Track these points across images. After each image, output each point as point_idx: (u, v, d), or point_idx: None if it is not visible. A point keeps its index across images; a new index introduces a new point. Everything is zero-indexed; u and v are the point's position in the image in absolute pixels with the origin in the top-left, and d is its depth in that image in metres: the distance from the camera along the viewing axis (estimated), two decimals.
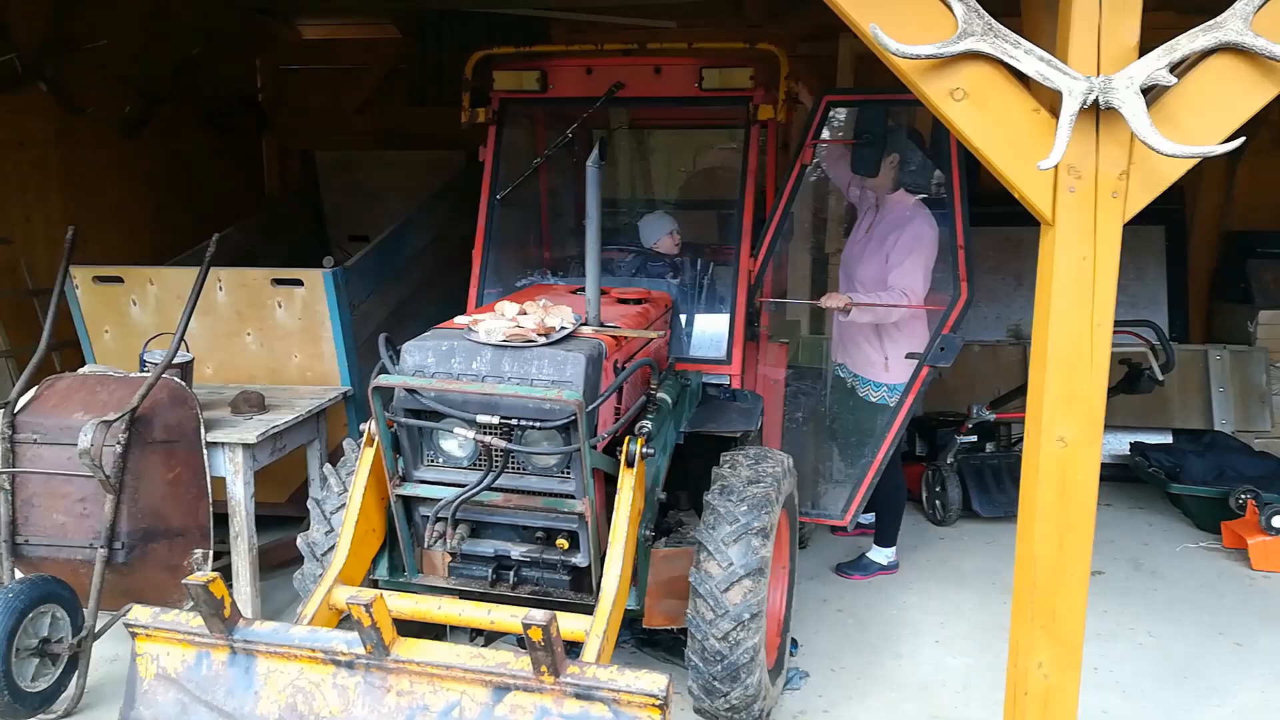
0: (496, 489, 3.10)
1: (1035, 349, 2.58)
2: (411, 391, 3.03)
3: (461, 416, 2.98)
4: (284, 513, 5.04)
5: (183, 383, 3.92)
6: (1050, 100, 2.40)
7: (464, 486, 3.08)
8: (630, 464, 3.10)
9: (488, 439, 2.92)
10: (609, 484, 3.22)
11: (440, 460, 3.19)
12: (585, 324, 3.37)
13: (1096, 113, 2.37)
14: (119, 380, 3.94)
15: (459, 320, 3.30)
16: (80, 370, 4.27)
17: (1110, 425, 2.58)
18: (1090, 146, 2.39)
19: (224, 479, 4.04)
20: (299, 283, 4.72)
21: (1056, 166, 2.37)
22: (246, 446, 3.98)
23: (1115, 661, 4.10)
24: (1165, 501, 5.92)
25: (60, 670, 3.61)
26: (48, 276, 5.01)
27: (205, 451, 3.91)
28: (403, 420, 3.06)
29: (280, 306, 4.78)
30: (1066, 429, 2.50)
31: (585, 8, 7.03)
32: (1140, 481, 6.01)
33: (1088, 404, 2.49)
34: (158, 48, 6.81)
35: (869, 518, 5.08)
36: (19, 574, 3.74)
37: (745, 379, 4.34)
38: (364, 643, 2.37)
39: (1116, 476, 6.09)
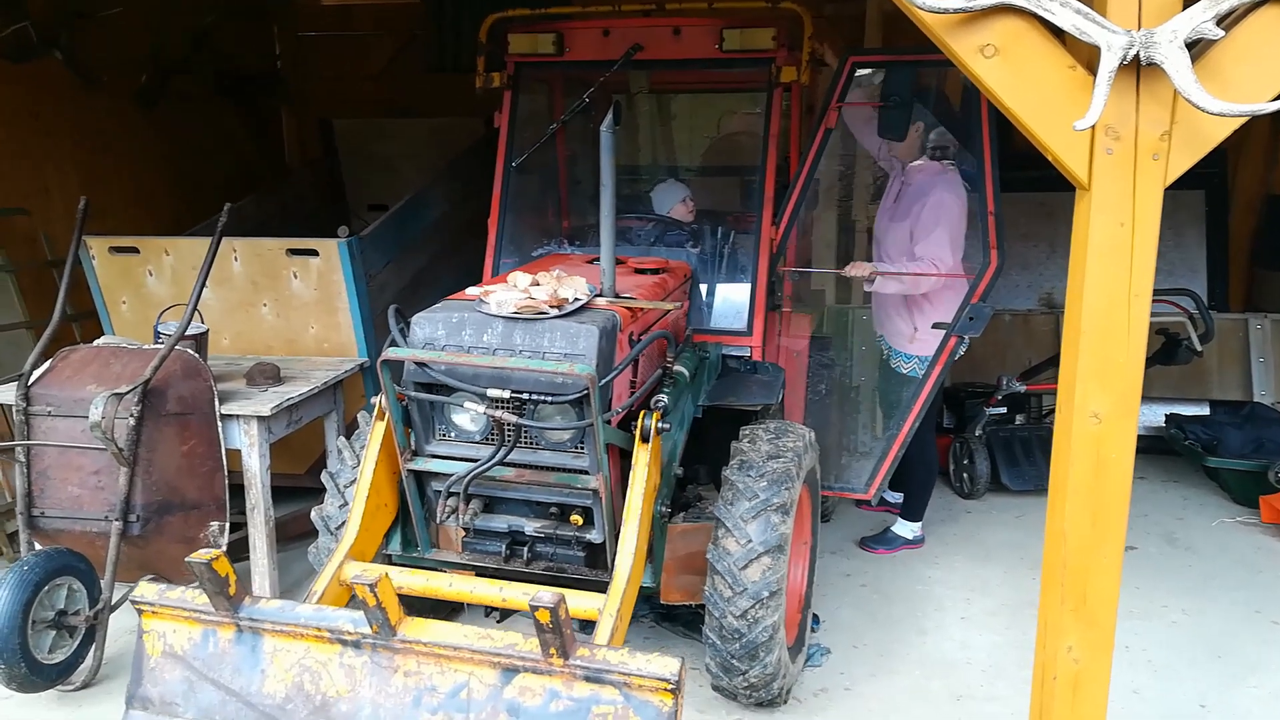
0: (509, 464, 3.03)
1: (1068, 320, 2.45)
2: (421, 365, 2.96)
3: (472, 390, 2.91)
4: (303, 484, 5.00)
5: (196, 355, 3.88)
6: (1087, 56, 2.26)
7: (476, 461, 3.02)
8: (645, 439, 3.01)
9: (498, 413, 2.84)
10: (624, 459, 3.14)
11: (452, 434, 3.13)
12: (600, 295, 3.28)
13: (1137, 69, 2.23)
14: (133, 352, 3.90)
15: (471, 291, 3.23)
16: (97, 342, 4.24)
17: (1146, 396, 2.47)
18: (1130, 106, 2.25)
19: (239, 451, 4.01)
20: (314, 253, 4.65)
21: (1093, 127, 2.23)
22: (261, 419, 3.93)
23: (1147, 640, 3.99)
24: (1201, 475, 5.75)
25: (77, 642, 3.61)
26: (66, 247, 4.98)
27: (220, 424, 3.87)
28: (413, 394, 3.00)
29: (296, 277, 4.72)
30: (1101, 404, 2.38)
31: None
32: (1175, 454, 5.85)
33: (1124, 379, 2.37)
34: (172, 16, 6.74)
35: (896, 497, 4.98)
36: (38, 546, 3.74)
37: (767, 350, 4.24)
38: (370, 622, 2.31)
39: (1151, 449, 5.93)
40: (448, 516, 3.08)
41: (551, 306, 3.02)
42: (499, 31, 4.47)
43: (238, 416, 3.93)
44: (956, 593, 4.42)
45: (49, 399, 3.74)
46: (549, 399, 2.86)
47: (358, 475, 3.15)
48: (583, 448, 3.01)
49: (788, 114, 4.50)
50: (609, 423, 3.02)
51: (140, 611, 2.55)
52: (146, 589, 2.54)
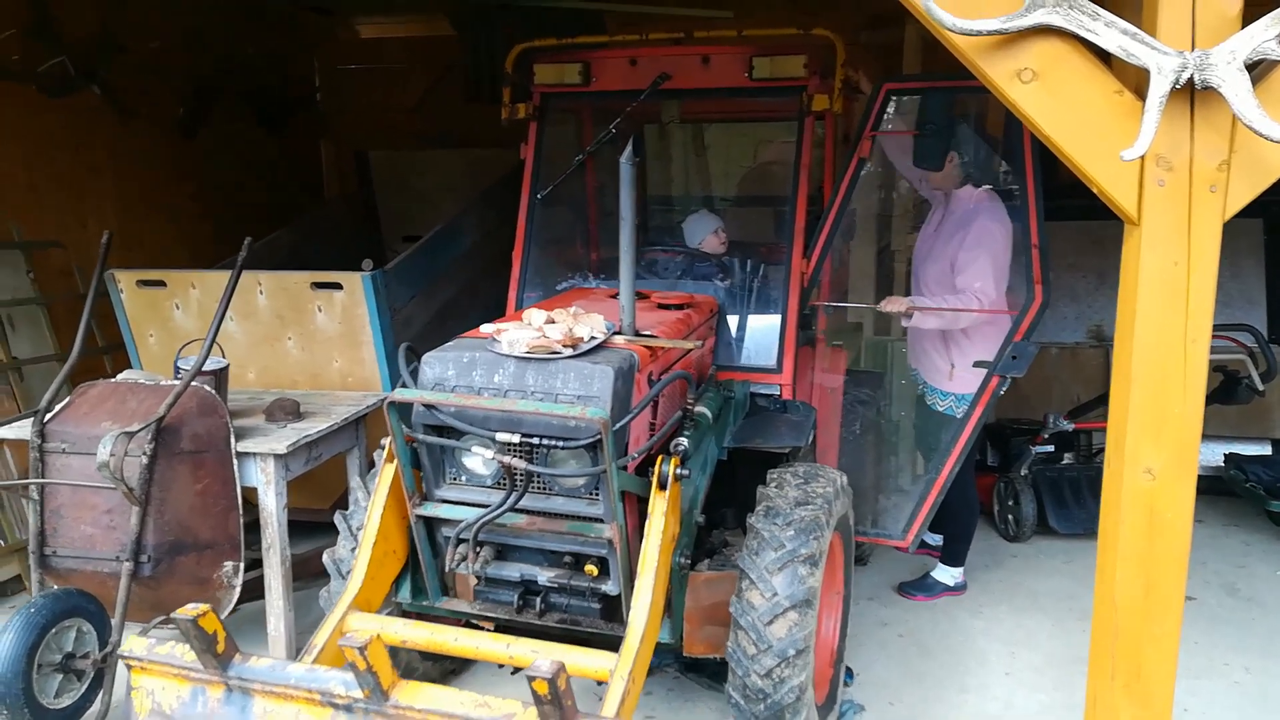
0: (520, 510, 2.90)
1: (1118, 366, 2.26)
2: (429, 406, 2.84)
3: (481, 434, 2.78)
4: (327, 519, 4.89)
5: (212, 391, 3.81)
6: (1136, 80, 2.09)
7: (487, 507, 2.88)
8: (663, 486, 2.86)
9: (507, 459, 2.71)
10: (643, 506, 2.98)
11: (463, 478, 3.00)
12: (619, 333, 3.14)
13: (1191, 93, 2.05)
14: (149, 388, 3.84)
15: (485, 329, 3.11)
16: (120, 376, 4.20)
17: (1203, 434, 2.27)
18: (1184, 133, 2.07)
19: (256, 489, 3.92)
20: (338, 286, 4.59)
21: (1143, 157, 2.06)
22: (278, 457, 3.84)
23: (1207, 702, 3.72)
24: (1264, 519, 5.44)
25: (86, 686, 3.52)
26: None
27: (235, 461, 3.79)
28: (421, 437, 2.88)
29: (320, 310, 4.65)
30: (1155, 459, 2.18)
31: None
32: (1235, 496, 5.54)
33: (1180, 431, 2.17)
34: (212, 48, 6.79)
35: (935, 539, 4.75)
36: (52, 585, 3.68)
37: (798, 388, 4.06)
38: (361, 686, 2.18)
39: (1210, 490, 5.60)
40: (458, 564, 2.95)
41: (565, 346, 2.88)
42: (525, 62, 4.39)
43: (254, 454, 3.85)
44: (1001, 645, 4.18)
45: (64, 435, 3.68)
46: (560, 444, 2.72)
47: (364, 520, 3.03)
48: (597, 494, 2.86)
49: (822, 143, 4.35)
50: (625, 468, 2.87)
51: (129, 667, 2.44)
52: (136, 643, 2.44)
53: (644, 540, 2.82)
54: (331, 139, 8.24)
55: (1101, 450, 5.48)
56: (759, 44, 4.09)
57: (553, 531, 2.90)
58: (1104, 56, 2.10)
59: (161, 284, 4.76)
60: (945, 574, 4.58)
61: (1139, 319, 2.15)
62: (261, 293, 4.66)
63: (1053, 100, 2.13)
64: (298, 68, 8.14)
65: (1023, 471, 5.24)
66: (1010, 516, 5.23)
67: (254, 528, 3.90)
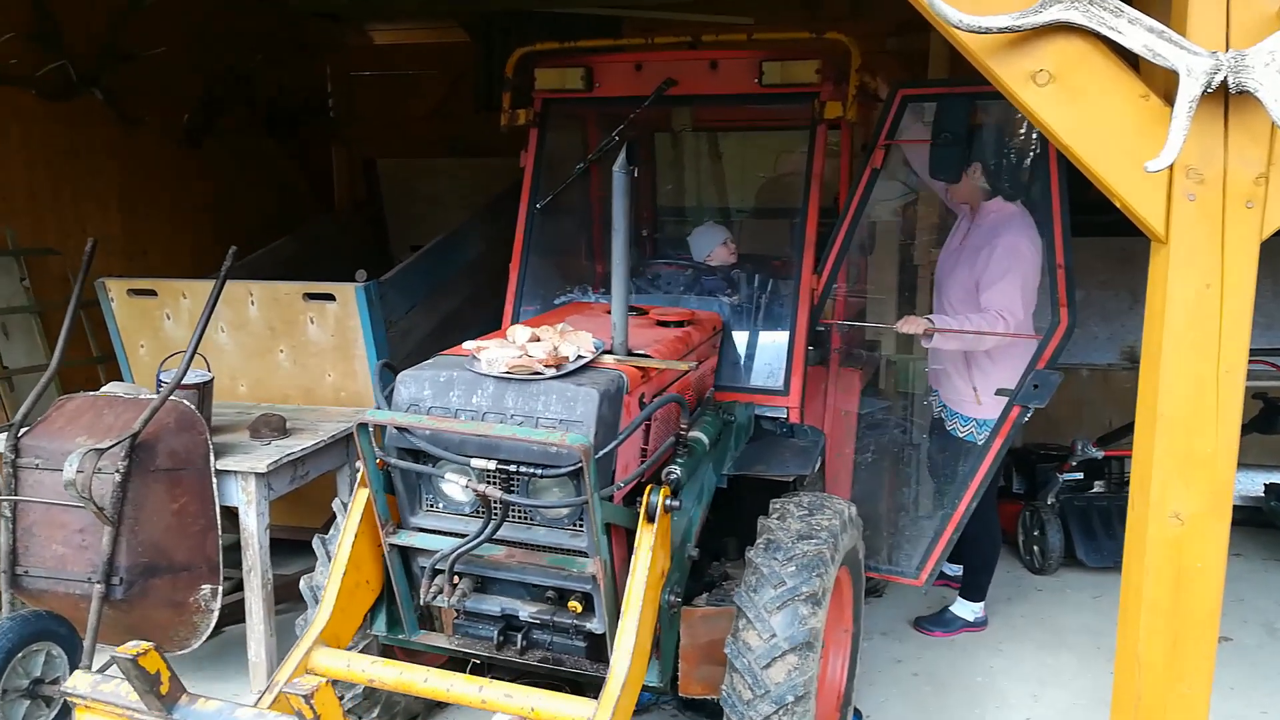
0: (499, 541, 2.71)
1: (1143, 400, 2.05)
2: (403, 429, 2.67)
3: (455, 460, 2.60)
4: None
5: (191, 406, 3.66)
6: (1163, 83, 1.88)
7: (466, 536, 2.70)
8: (651, 518, 2.66)
9: (482, 488, 2.52)
10: (632, 538, 2.79)
11: (440, 505, 2.83)
12: (609, 352, 2.95)
13: (1225, 98, 1.84)
14: (127, 402, 3.70)
15: (467, 345, 2.93)
16: (103, 389, 4.07)
17: (1240, 463, 2.05)
18: (1217, 142, 1.86)
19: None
20: (331, 297, 4.45)
21: (1171, 169, 1.85)
22: (259, 475, 3.69)
23: None
24: None
25: (55, 712, 3.39)
26: (95, 290, 4.91)
27: (215, 480, 3.64)
28: (394, 461, 2.70)
29: (313, 322, 4.51)
30: (1184, 504, 1.96)
31: (656, 5, 6.62)
32: (1275, 528, 5.25)
33: (1212, 472, 1.95)
34: (220, 55, 6.70)
35: (955, 569, 4.51)
36: (24, 605, 3.55)
37: (808, 410, 3.85)
38: None
39: (1248, 521, 5.31)
40: (433, 597, 2.76)
41: (549, 366, 2.70)
42: (527, 66, 4.22)
43: (235, 472, 3.70)
44: (1023, 686, 3.94)
45: (37, 450, 3.55)
46: (539, 472, 2.53)
47: (334, 549, 2.86)
48: (581, 525, 2.67)
49: (839, 154, 4.15)
50: (611, 498, 2.68)
51: (72, 705, 2.28)
52: (79, 680, 2.28)
53: (630, 576, 2.62)
54: (343, 147, 8.16)
55: None
56: (770, 48, 3.90)
57: (534, 564, 2.72)
58: (1128, 57, 1.89)
59: (152, 293, 4.64)
60: (965, 609, 4.34)
61: (1167, 347, 1.94)
62: (253, 303, 4.53)
63: (1071, 105, 1.92)
64: (309, 75, 8.06)
65: (1049, 500, 4.98)
66: (1036, 547, 4.98)
67: (238, 548, 3.76)
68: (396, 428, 2.66)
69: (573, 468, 2.50)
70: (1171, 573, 1.99)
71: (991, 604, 4.46)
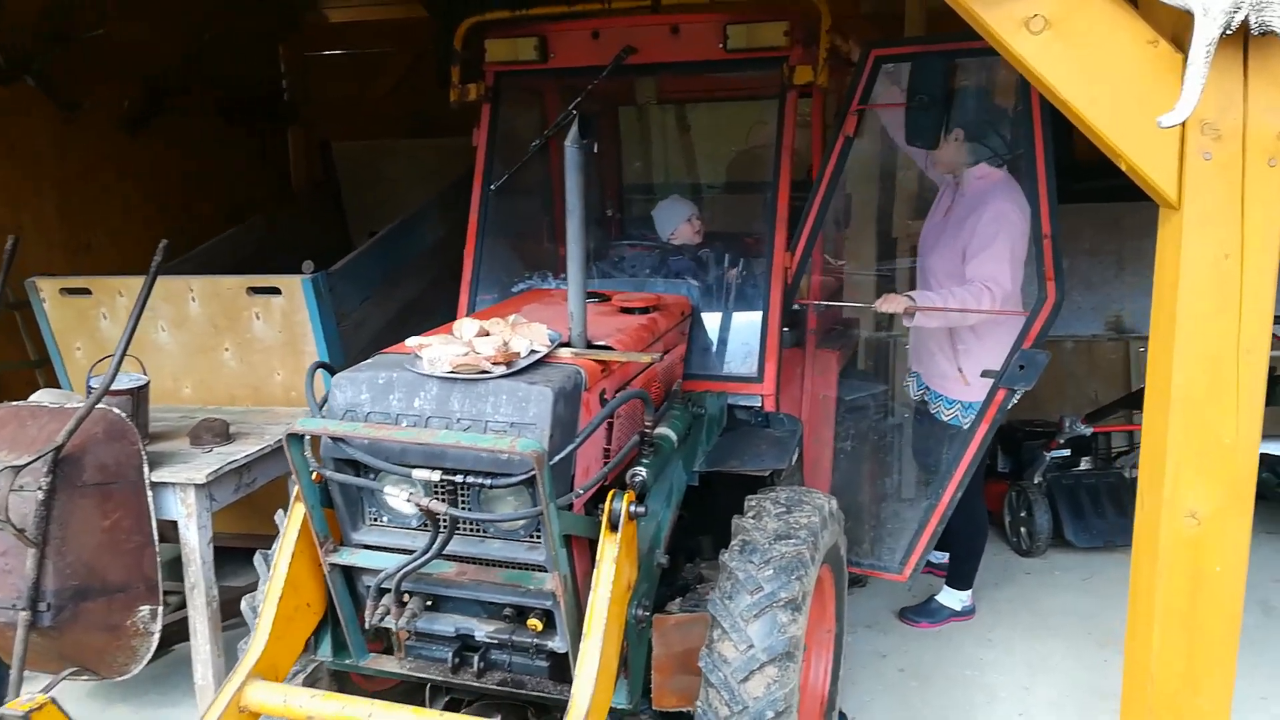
0: (448, 557, 2.48)
1: (1153, 384, 1.83)
2: (339, 439, 2.42)
3: (395, 472, 2.36)
4: None
5: (121, 414, 3.39)
6: (1174, 25, 1.65)
7: (414, 553, 2.46)
8: (614, 527, 2.43)
9: (425, 502, 2.28)
10: (596, 548, 2.56)
11: (384, 519, 2.58)
12: (567, 344, 2.71)
13: (1245, 41, 1.62)
14: (53, 412, 3.42)
15: (411, 342, 2.67)
16: (32, 397, 3.80)
17: None
18: (1236, 92, 1.64)
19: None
20: (277, 291, 4.18)
21: (1184, 124, 1.62)
22: (199, 486, 3.43)
23: None
24: None
25: None
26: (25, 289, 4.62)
27: (150, 493, 3.38)
28: (329, 474, 2.46)
29: (258, 317, 4.24)
30: (1201, 500, 1.75)
31: None
32: (1268, 500, 5.08)
33: (1232, 464, 1.74)
34: (166, 37, 6.35)
35: (940, 557, 4.32)
36: None
37: (786, 393, 3.63)
38: None
39: None
40: (380, 619, 2.53)
41: (498, 363, 2.46)
42: (477, 37, 3.96)
43: (172, 484, 3.44)
44: (1013, 677, 3.76)
45: None
46: (488, 482, 2.29)
47: (270, 571, 2.61)
48: (539, 537, 2.44)
49: (809, 122, 3.92)
50: (570, 506, 2.44)
51: None
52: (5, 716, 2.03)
53: (592, 591, 2.40)
54: (300, 130, 7.83)
55: (1122, 453, 5.05)
56: (734, 11, 3.65)
57: (488, 582, 2.48)
58: None
59: (87, 292, 4.35)
60: (951, 597, 4.15)
61: (1180, 326, 1.72)
62: (193, 299, 4.25)
63: (1069, 54, 1.69)
64: (263, 56, 7.71)
65: (1036, 479, 4.80)
66: (1023, 529, 4.80)
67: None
68: (331, 437, 2.41)
69: (526, 476, 2.27)
70: (1187, 577, 1.78)
71: (978, 590, 4.27)
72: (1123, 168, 1.74)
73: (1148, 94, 1.67)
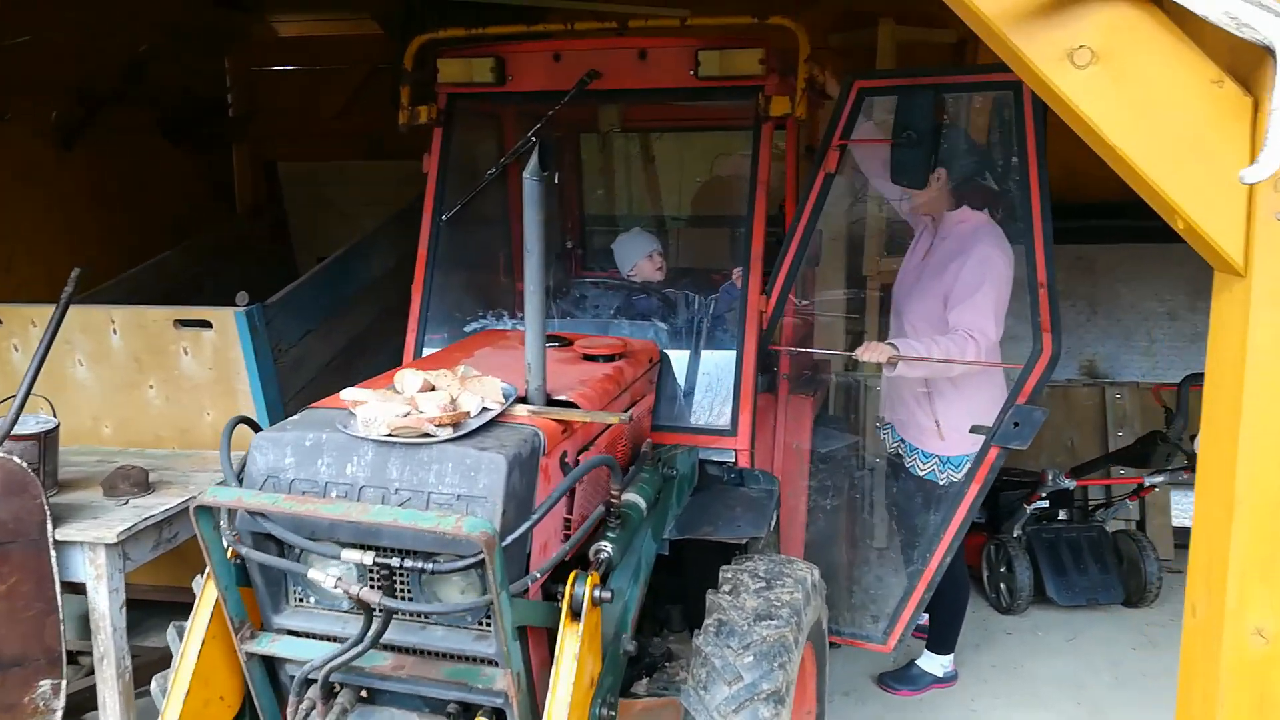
0: (385, 647, 2.16)
1: (1207, 481, 1.58)
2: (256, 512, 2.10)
3: (320, 553, 2.04)
4: None
5: (22, 464, 3.02)
6: (1247, 64, 1.41)
7: (343, 641, 2.14)
8: (576, 614, 2.13)
9: (355, 590, 1.97)
10: (555, 635, 2.26)
11: (311, 600, 2.26)
12: (523, 399, 2.41)
13: None
14: None
15: (345, 395, 2.36)
16: None
17: None
18: None
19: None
20: (208, 324, 3.83)
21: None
22: (109, 546, 3.07)
23: None
24: None
25: None
26: None
27: (54, 553, 3.01)
28: (248, 553, 2.13)
29: (186, 353, 3.89)
30: (1269, 616, 1.50)
31: None
32: None
33: None
34: (104, 45, 5.97)
35: (921, 617, 4.05)
36: None
37: (759, 441, 3.36)
38: None
39: None
40: (304, 716, 2.20)
41: (443, 425, 2.15)
42: (429, 57, 3.67)
43: (79, 543, 3.07)
44: None
45: None
46: (429, 566, 1.98)
47: (177, 660, 2.27)
48: (488, 624, 2.13)
49: (783, 156, 3.68)
50: (526, 591, 2.14)
51: None
52: None
53: (550, 689, 2.09)
54: (244, 148, 7.45)
55: (1101, 506, 4.85)
56: (707, 36, 3.40)
57: (429, 678, 2.16)
58: (1194, 28, 1.42)
59: None
60: (933, 663, 3.89)
61: (1246, 415, 1.47)
62: (115, 332, 3.89)
63: (1119, 92, 1.45)
64: (208, 70, 7.34)
65: (1015, 533, 4.57)
66: (1003, 584, 4.57)
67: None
68: (246, 510, 2.08)
69: (474, 560, 1.96)
70: (1252, 704, 1.52)
71: (959, 651, 4.02)
72: (1177, 228, 1.50)
73: (1210, 142, 1.43)
